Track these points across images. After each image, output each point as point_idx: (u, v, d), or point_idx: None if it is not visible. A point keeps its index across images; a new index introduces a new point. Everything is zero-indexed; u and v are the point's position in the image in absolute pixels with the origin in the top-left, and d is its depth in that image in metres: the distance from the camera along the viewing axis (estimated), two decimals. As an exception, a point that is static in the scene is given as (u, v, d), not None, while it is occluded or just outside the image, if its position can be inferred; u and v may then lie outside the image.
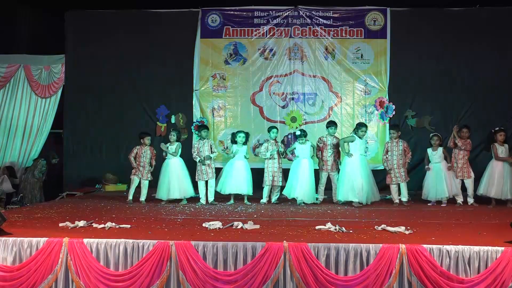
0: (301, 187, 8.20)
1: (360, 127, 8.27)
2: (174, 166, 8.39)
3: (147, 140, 8.58)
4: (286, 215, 7.21)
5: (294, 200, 8.40)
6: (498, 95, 10.31)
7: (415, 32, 10.48)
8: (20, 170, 10.64)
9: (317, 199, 8.44)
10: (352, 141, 8.21)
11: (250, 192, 8.49)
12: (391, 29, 10.60)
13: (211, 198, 8.40)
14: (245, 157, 8.56)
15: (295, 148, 8.51)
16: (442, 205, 8.14)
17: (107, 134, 10.92)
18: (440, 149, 8.28)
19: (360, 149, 8.19)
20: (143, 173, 8.48)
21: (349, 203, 8.15)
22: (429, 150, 8.34)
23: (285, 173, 8.61)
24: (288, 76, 10.84)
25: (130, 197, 8.47)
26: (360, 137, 8.23)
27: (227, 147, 10.64)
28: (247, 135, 8.63)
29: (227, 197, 8.60)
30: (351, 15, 10.72)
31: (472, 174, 8.28)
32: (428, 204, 8.25)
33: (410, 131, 10.45)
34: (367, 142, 8.57)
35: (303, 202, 8.21)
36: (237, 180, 8.39)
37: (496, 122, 9.79)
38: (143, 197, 8.46)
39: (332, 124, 8.69)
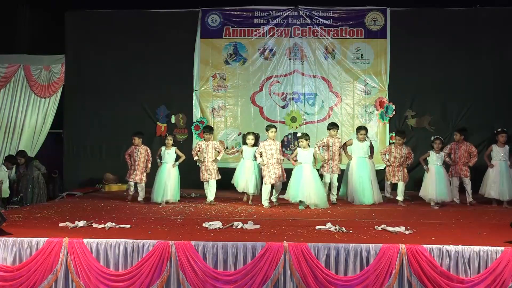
0: (311, 192, 7.84)
1: (359, 130, 8.41)
2: (169, 170, 8.36)
3: (136, 140, 8.52)
4: (286, 215, 7.21)
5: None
6: (497, 95, 10.32)
7: (415, 32, 10.49)
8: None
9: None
10: (350, 145, 8.44)
11: (256, 192, 8.37)
12: (391, 29, 10.61)
13: (210, 198, 8.36)
14: (259, 164, 8.30)
15: (297, 154, 8.10)
16: (436, 207, 8.14)
17: (107, 134, 10.92)
18: (442, 153, 8.27)
19: (359, 152, 8.27)
20: (138, 176, 8.42)
21: (348, 203, 8.24)
22: (432, 152, 8.30)
23: (288, 173, 8.53)
24: (288, 76, 10.84)
25: (141, 198, 8.51)
26: (360, 140, 8.29)
27: (227, 147, 10.66)
28: (256, 136, 8.48)
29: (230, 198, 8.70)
30: (351, 15, 10.72)
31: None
32: (432, 205, 8.02)
33: (410, 131, 10.45)
34: (371, 143, 8.54)
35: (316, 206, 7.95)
36: (245, 179, 8.34)
37: (495, 122, 9.83)
38: (141, 198, 8.50)
39: (332, 125, 8.65)
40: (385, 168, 8.71)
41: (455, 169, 8.47)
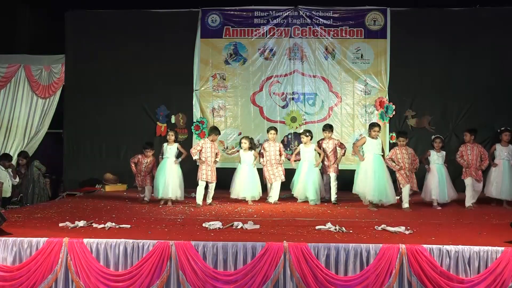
0: (302, 187, 8.39)
1: (373, 127, 7.96)
2: (171, 166, 8.35)
3: (149, 152, 8.50)
4: (286, 215, 7.21)
5: (294, 198, 8.68)
6: (498, 95, 10.31)
7: (415, 32, 10.49)
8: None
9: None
10: (364, 143, 7.97)
11: (256, 196, 8.40)
12: (391, 29, 10.60)
13: (209, 200, 8.32)
14: (255, 162, 8.50)
15: (299, 151, 8.60)
16: (439, 207, 8.11)
17: (107, 134, 10.91)
18: (443, 152, 8.23)
19: (375, 149, 7.85)
20: (145, 180, 8.49)
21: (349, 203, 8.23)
22: (432, 152, 8.24)
23: (289, 173, 8.71)
24: (288, 76, 10.84)
25: (147, 198, 8.54)
26: (373, 137, 7.90)
27: (227, 147, 10.66)
28: (250, 140, 8.48)
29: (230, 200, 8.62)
30: (351, 15, 10.72)
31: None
32: (434, 205, 7.94)
33: (410, 131, 10.44)
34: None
35: (315, 203, 8.32)
36: (243, 184, 8.30)
37: (495, 122, 9.83)
38: (147, 198, 8.53)
39: (325, 127, 8.71)
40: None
41: (470, 171, 8.09)
